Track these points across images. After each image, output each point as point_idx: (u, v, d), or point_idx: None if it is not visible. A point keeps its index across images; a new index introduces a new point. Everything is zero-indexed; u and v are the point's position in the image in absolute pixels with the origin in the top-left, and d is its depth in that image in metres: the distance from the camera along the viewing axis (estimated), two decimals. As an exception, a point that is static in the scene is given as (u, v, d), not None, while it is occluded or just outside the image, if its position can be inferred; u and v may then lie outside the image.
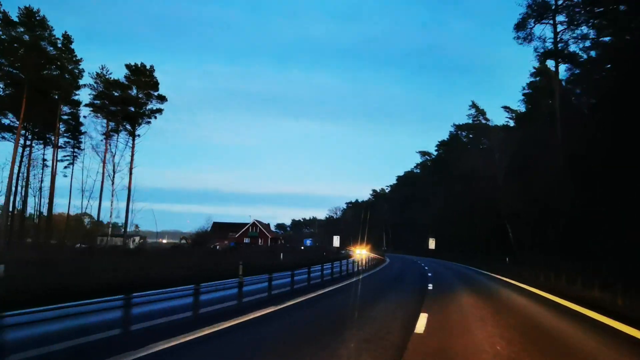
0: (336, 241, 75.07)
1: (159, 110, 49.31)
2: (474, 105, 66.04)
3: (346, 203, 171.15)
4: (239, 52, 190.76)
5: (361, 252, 57.87)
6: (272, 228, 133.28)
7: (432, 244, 73.80)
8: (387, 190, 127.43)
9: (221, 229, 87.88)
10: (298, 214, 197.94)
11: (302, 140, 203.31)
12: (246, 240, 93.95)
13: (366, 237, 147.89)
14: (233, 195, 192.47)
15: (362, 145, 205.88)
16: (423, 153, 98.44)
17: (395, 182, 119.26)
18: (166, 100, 49.57)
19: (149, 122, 48.34)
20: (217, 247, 79.44)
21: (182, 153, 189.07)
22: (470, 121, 67.00)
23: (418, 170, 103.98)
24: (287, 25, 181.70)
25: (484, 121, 64.40)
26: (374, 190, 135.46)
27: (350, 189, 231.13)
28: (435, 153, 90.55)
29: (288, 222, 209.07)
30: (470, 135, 69.93)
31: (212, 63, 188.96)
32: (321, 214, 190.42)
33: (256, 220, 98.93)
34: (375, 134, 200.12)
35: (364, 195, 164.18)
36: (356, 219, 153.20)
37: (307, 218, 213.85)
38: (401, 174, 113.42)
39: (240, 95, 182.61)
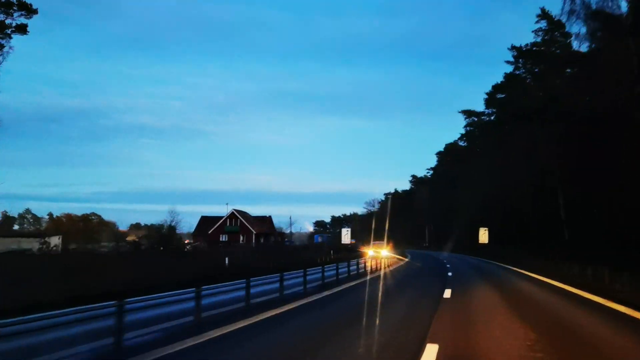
0: (346, 236, 54.53)
1: (23, 28, 30.66)
2: (543, 14, 42.29)
3: (385, 194, 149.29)
4: (283, 52, 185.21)
5: (377, 252, 46.59)
6: (311, 224, 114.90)
7: (483, 236, 51.47)
8: (428, 175, 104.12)
9: (207, 223, 69.22)
10: (341, 211, 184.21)
11: (345, 137, 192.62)
12: (223, 237, 71.96)
13: (403, 230, 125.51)
14: (281, 194, 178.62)
15: (407, 138, 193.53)
16: (468, 113, 74.18)
17: (436, 162, 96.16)
18: (36, 13, 31.00)
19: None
20: (191, 246, 60.82)
21: (229, 154, 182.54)
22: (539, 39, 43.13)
23: (463, 143, 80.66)
24: (329, 23, 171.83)
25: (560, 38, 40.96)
26: (414, 177, 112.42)
27: (394, 182, 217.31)
28: (485, 110, 66.42)
29: (328, 219, 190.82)
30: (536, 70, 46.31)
31: (256, 64, 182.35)
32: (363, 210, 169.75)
33: (236, 211, 74.82)
34: (420, 125, 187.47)
35: (404, 184, 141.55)
36: (393, 210, 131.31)
37: (347, 214, 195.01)
38: (441, 149, 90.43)
39: (285, 95, 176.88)
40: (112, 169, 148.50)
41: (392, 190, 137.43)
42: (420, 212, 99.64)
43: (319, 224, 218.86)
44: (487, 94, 60.53)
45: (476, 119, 72.50)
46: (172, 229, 54.14)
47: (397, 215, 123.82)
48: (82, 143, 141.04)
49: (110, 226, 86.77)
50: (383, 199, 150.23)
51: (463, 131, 79.39)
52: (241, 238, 73.29)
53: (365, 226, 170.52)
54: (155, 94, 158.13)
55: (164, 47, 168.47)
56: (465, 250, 65.87)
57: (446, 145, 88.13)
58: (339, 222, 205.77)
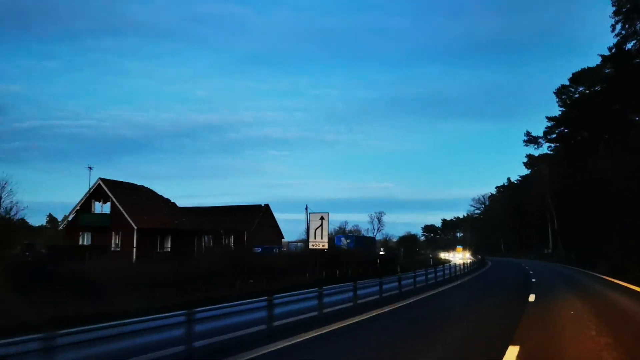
0: (318, 234, 33.39)
1: None
2: None
3: (496, 187, 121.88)
4: (403, 58, 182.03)
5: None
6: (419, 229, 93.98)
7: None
8: (549, 150, 75.90)
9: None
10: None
11: (469, 140, 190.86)
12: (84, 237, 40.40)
13: (519, 232, 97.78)
14: (404, 202, 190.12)
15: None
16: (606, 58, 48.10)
17: (555, 131, 68.07)
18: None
19: None
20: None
21: (353, 163, 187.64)
22: None
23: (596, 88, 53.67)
24: (450, 25, 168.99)
25: None
26: (529, 157, 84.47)
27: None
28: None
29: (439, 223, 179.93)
30: None
31: (377, 71, 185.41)
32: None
33: (103, 180, 40.83)
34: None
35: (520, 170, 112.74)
36: (504, 205, 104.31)
37: (460, 217, 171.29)
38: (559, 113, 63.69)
39: (406, 100, 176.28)
40: (241, 180, 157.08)
41: (504, 182, 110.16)
42: (541, 202, 73.70)
43: (428, 229, 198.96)
44: None
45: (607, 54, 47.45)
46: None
47: (507, 211, 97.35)
48: (213, 156, 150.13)
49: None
50: (493, 193, 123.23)
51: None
52: (115, 240, 39.96)
53: (475, 227, 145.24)
54: (281, 107, 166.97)
55: (288, 61, 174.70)
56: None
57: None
58: (450, 225, 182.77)
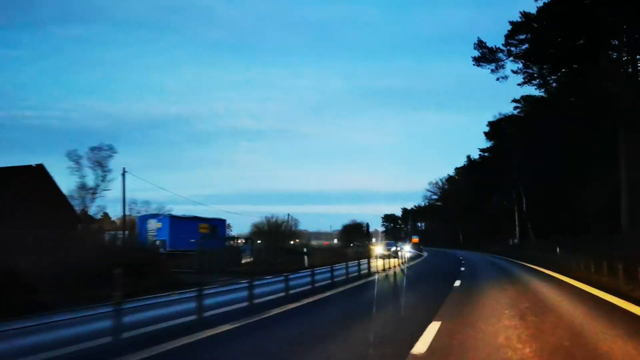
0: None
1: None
2: None
3: (455, 169, 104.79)
4: (376, 49, 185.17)
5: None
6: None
7: None
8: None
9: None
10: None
11: (442, 131, 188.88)
12: None
13: (482, 219, 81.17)
14: (377, 193, 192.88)
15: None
16: None
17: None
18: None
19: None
20: None
21: (323, 154, 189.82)
22: None
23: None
24: (423, 17, 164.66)
25: None
26: (491, 124, 66.38)
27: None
28: None
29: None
30: None
31: (351, 62, 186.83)
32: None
33: None
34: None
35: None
36: (463, 189, 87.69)
37: (422, 205, 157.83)
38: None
39: (379, 92, 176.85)
40: (213, 172, 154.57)
41: (464, 163, 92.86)
42: (506, 175, 57.07)
43: (388, 219, 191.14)
44: None
45: None
46: None
47: (470, 192, 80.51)
48: (184, 147, 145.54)
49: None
50: (451, 175, 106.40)
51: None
52: None
53: (435, 214, 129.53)
54: (253, 98, 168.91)
55: (261, 51, 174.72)
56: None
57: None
58: (411, 214, 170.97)
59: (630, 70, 28.63)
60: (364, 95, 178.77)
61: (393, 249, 47.95)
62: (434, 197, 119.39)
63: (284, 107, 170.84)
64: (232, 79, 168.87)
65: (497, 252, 57.16)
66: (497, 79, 36.49)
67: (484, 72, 36.79)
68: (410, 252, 57.93)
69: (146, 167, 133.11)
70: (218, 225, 41.91)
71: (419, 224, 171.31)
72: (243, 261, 30.13)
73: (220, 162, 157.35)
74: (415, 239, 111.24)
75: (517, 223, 58.26)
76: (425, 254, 64.94)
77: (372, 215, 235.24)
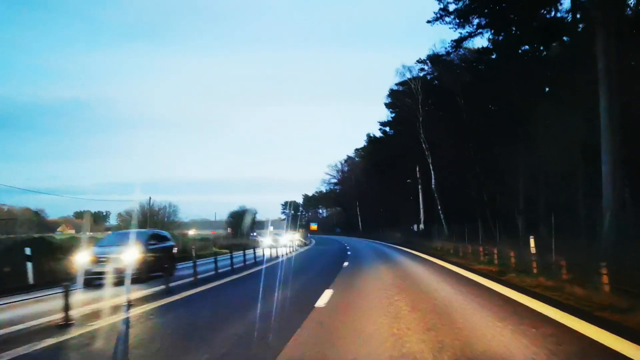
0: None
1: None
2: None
3: (355, 150, 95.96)
4: (283, 39, 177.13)
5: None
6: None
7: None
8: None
9: None
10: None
11: (349, 120, 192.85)
12: None
13: (383, 203, 72.79)
14: (276, 182, 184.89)
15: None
16: None
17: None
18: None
19: None
20: None
21: (230, 143, 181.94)
22: None
23: None
24: (330, 9, 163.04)
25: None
26: (392, 93, 57.82)
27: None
28: None
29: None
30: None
31: (257, 51, 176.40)
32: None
33: None
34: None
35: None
36: (363, 169, 78.82)
37: (324, 191, 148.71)
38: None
39: (286, 81, 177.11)
40: (111, 161, 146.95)
41: (362, 145, 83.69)
42: (411, 150, 47.92)
43: (288, 205, 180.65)
44: None
45: None
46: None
47: (373, 171, 71.47)
48: (80, 135, 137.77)
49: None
50: (351, 155, 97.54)
51: None
52: None
53: (331, 200, 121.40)
54: (156, 85, 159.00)
55: (164, 37, 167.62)
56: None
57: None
58: (313, 200, 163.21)
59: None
60: (270, 83, 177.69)
61: (281, 238, 44.70)
62: (333, 180, 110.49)
63: (188, 95, 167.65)
64: (136, 64, 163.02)
65: (396, 240, 48.11)
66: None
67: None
68: (299, 241, 51.53)
69: (39, 155, 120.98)
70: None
71: (320, 211, 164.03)
72: None
73: (119, 151, 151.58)
74: (314, 227, 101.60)
75: (421, 206, 49.38)
76: (312, 242, 57.73)
77: (275, 205, 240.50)
